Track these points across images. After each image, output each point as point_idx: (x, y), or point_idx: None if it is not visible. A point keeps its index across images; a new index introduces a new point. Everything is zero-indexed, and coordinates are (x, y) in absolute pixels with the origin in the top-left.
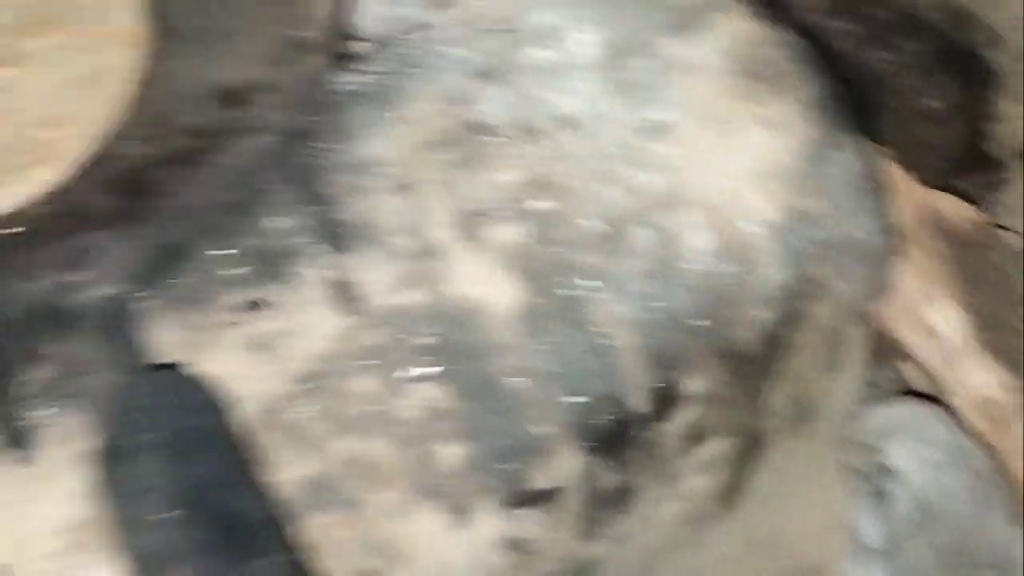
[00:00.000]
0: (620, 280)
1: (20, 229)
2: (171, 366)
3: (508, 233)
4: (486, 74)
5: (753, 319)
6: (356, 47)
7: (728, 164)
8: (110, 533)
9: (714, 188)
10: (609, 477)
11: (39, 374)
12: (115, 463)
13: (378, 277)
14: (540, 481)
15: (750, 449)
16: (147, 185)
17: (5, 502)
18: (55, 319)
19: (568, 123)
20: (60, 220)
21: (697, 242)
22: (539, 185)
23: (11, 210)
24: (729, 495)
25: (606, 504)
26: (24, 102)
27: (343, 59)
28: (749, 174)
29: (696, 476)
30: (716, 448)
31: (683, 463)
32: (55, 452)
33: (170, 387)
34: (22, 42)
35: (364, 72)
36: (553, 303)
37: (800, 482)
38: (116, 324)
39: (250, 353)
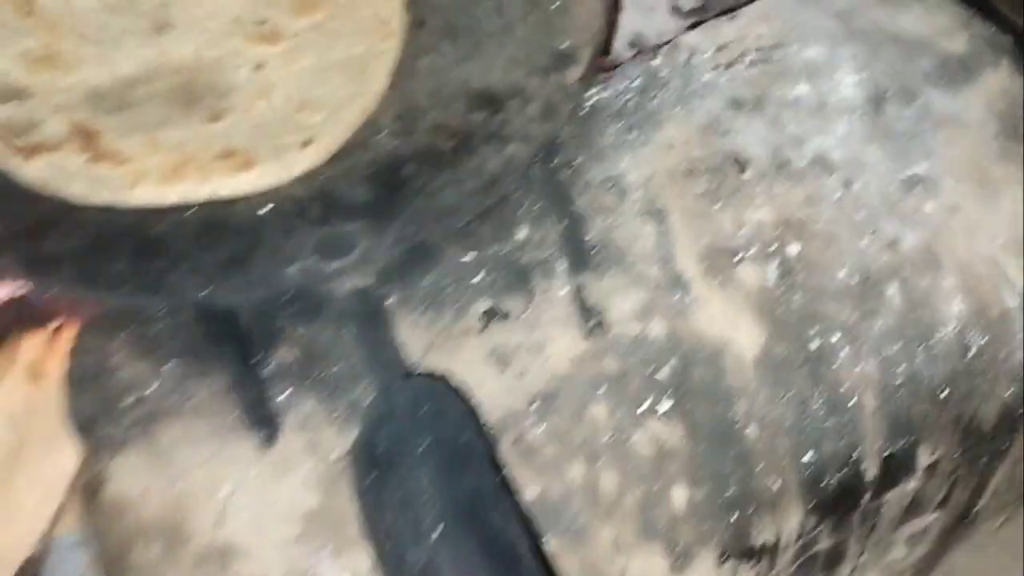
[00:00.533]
0: (867, 337)
1: (271, 206)
2: (429, 374)
3: (755, 274)
4: (742, 104)
5: (996, 395)
6: (612, 64)
7: (989, 228)
8: (348, 526)
9: (972, 252)
10: (826, 539)
11: (284, 357)
12: (381, 470)
13: (620, 302)
14: (761, 536)
15: (958, 525)
16: (397, 180)
17: (245, 482)
18: (303, 304)
19: (826, 166)
20: (313, 205)
21: (950, 307)
22: (792, 227)
23: (266, 188)
24: (925, 568)
25: (815, 566)
26: (286, 81)
27: (598, 74)
28: (1010, 241)
29: (902, 547)
30: (929, 521)
31: (895, 533)
32: (295, 438)
33: (430, 395)
34: (288, 21)
35: (618, 90)
36: (796, 353)
37: (996, 564)
38: (365, 317)
39: (489, 364)
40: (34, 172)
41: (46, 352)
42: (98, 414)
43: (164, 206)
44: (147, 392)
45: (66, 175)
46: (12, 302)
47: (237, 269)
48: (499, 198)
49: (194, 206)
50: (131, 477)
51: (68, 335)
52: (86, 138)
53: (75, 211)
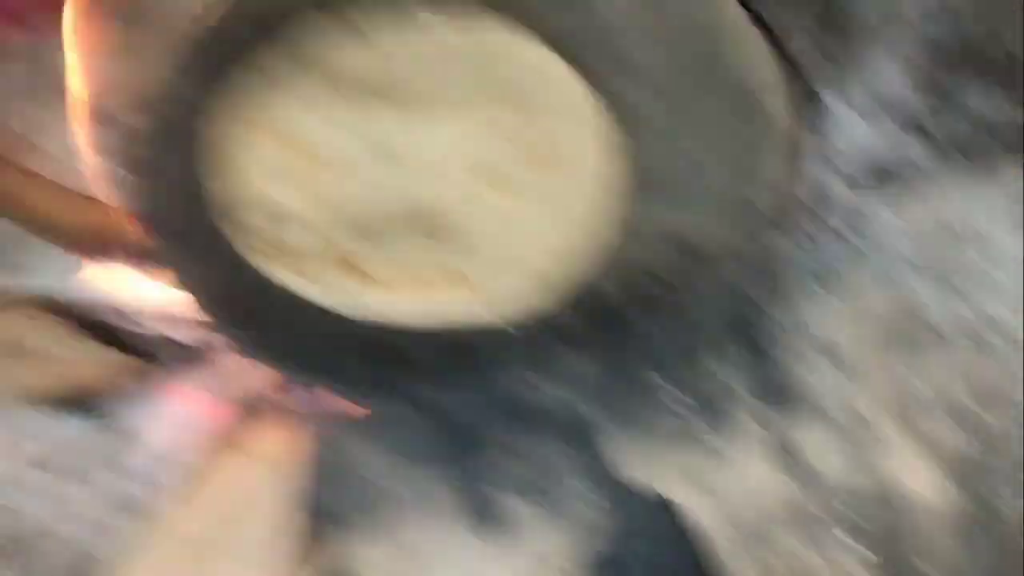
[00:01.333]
0: None
1: (495, 328)
2: (650, 492)
3: (948, 434)
4: (925, 269)
5: None
6: (801, 218)
7: None
8: None
9: None
10: None
11: (503, 464)
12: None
13: (815, 446)
14: None
15: None
16: (609, 317)
17: (468, 568)
18: (524, 416)
19: (1011, 336)
20: (532, 331)
21: None
22: (981, 394)
23: (491, 314)
24: None
25: None
26: (517, 225)
27: (789, 227)
28: None
29: None
30: None
31: None
32: (520, 540)
33: (651, 513)
34: (519, 172)
35: (807, 248)
36: (987, 516)
37: None
38: (577, 433)
39: (690, 489)
40: (292, 278)
41: (280, 442)
42: (336, 505)
43: (410, 324)
44: (386, 486)
45: (319, 284)
46: (257, 392)
47: (472, 382)
48: (700, 337)
49: (428, 321)
50: (375, 568)
51: (302, 429)
52: (340, 256)
53: (325, 315)
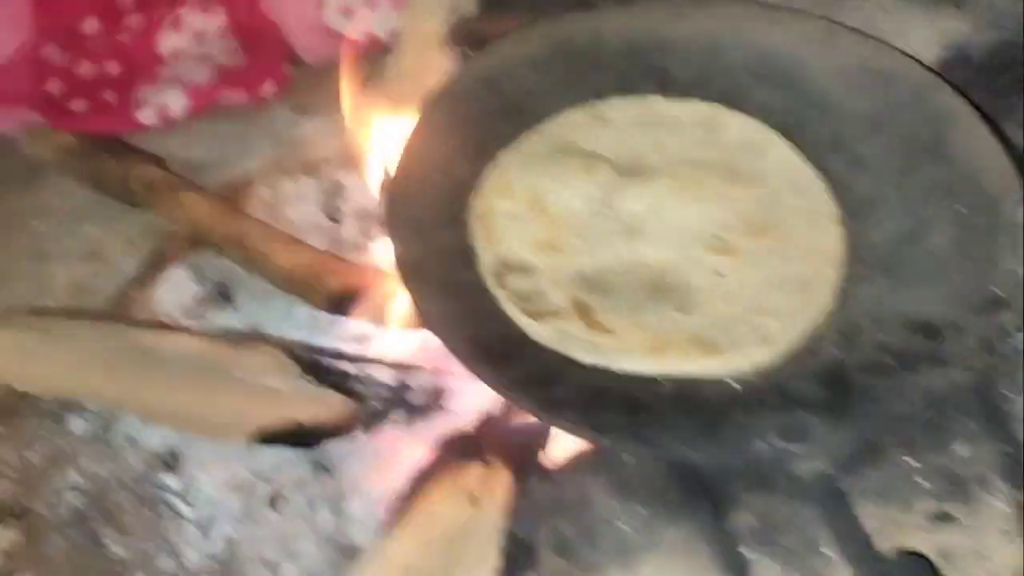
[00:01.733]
0: None
1: (735, 389)
2: (913, 553)
3: None
4: None
5: None
6: None
7: None
8: None
9: None
10: None
11: (744, 520)
12: None
13: None
14: None
15: None
16: (847, 385)
17: None
18: (765, 477)
19: None
20: (772, 394)
21: None
22: None
23: (728, 374)
24: None
25: None
26: (741, 288)
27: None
28: None
29: None
30: None
31: None
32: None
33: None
34: (742, 240)
35: None
36: None
37: None
38: (824, 497)
39: (939, 561)
40: (541, 331)
41: (486, 482)
42: (576, 539)
43: (645, 375)
44: (621, 526)
45: (566, 337)
46: (462, 437)
47: (707, 436)
48: (942, 414)
49: (670, 378)
50: None
51: (506, 471)
52: (581, 310)
53: (574, 366)
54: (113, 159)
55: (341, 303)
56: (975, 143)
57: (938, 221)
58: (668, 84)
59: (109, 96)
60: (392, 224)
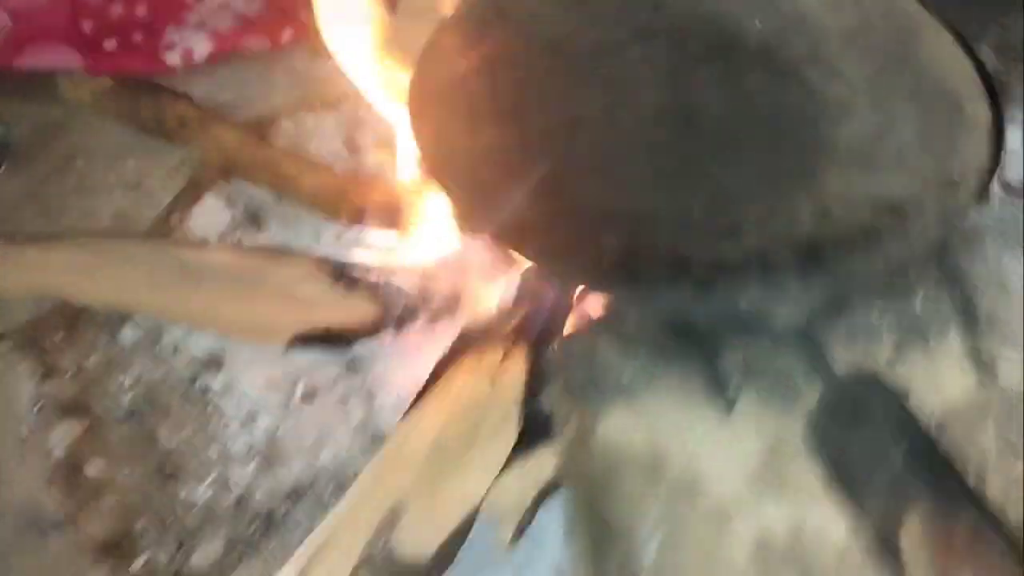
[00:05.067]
0: None
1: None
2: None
3: None
4: None
5: None
6: (994, 191)
7: None
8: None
9: None
10: None
11: (732, 360)
12: (844, 434)
13: (1005, 364)
14: None
15: None
16: (820, 256)
17: (710, 437)
18: (747, 325)
19: None
20: (753, 262)
21: None
22: None
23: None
24: None
25: None
26: None
27: (982, 198)
28: None
29: None
30: None
31: None
32: (746, 416)
33: (873, 388)
34: None
35: (997, 216)
36: None
37: None
38: (800, 340)
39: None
40: None
41: (506, 360)
42: (586, 384)
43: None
44: (623, 372)
45: None
46: (482, 324)
47: (698, 294)
48: (904, 278)
49: None
50: (616, 428)
51: (523, 353)
52: None
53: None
54: (149, 99)
55: (366, 215)
56: (941, 51)
57: (905, 119)
58: (659, 9)
59: (138, 37)
60: (418, 129)
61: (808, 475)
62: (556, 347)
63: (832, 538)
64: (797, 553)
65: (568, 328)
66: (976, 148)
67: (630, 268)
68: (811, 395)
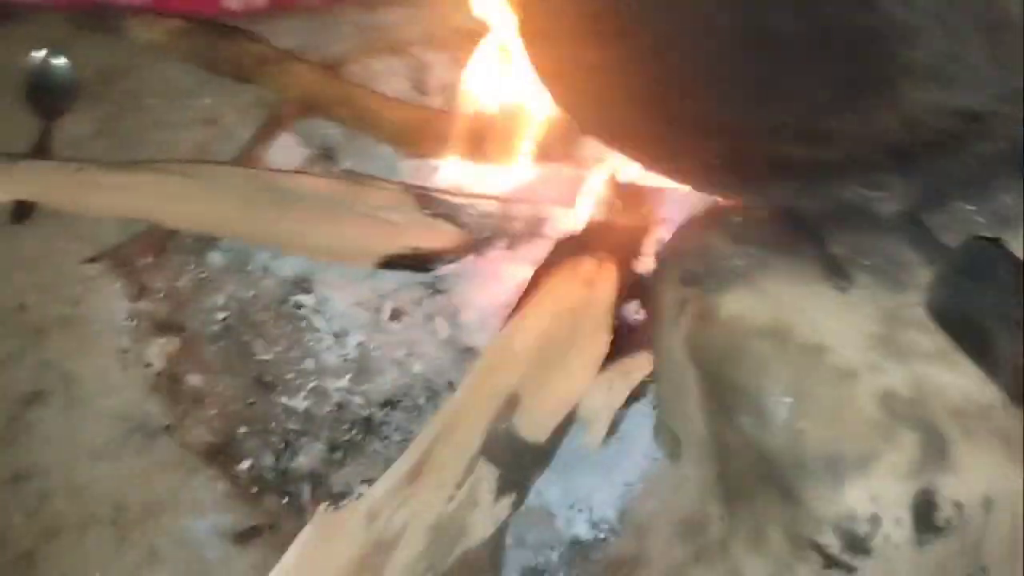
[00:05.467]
0: None
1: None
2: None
3: None
4: None
5: None
6: None
7: None
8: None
9: None
10: None
11: (838, 250)
12: (965, 298)
13: None
14: None
15: None
16: (912, 155)
17: (829, 308)
18: (855, 217)
19: None
20: (853, 163)
21: None
22: None
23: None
24: None
25: None
26: None
27: None
28: None
29: None
30: None
31: None
32: (860, 292)
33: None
34: None
35: None
36: None
37: None
38: (906, 227)
39: None
40: None
41: (597, 270)
42: (702, 273)
43: None
44: (738, 261)
45: None
46: (575, 236)
47: (806, 191)
48: (991, 174)
49: None
50: (740, 304)
51: (613, 263)
52: None
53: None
54: (225, 39)
55: (449, 147)
56: None
57: (974, 42)
58: None
59: None
60: (538, 53)
61: (927, 339)
62: (668, 243)
63: (952, 392)
64: (920, 405)
65: (681, 225)
66: None
67: (735, 170)
68: (924, 270)
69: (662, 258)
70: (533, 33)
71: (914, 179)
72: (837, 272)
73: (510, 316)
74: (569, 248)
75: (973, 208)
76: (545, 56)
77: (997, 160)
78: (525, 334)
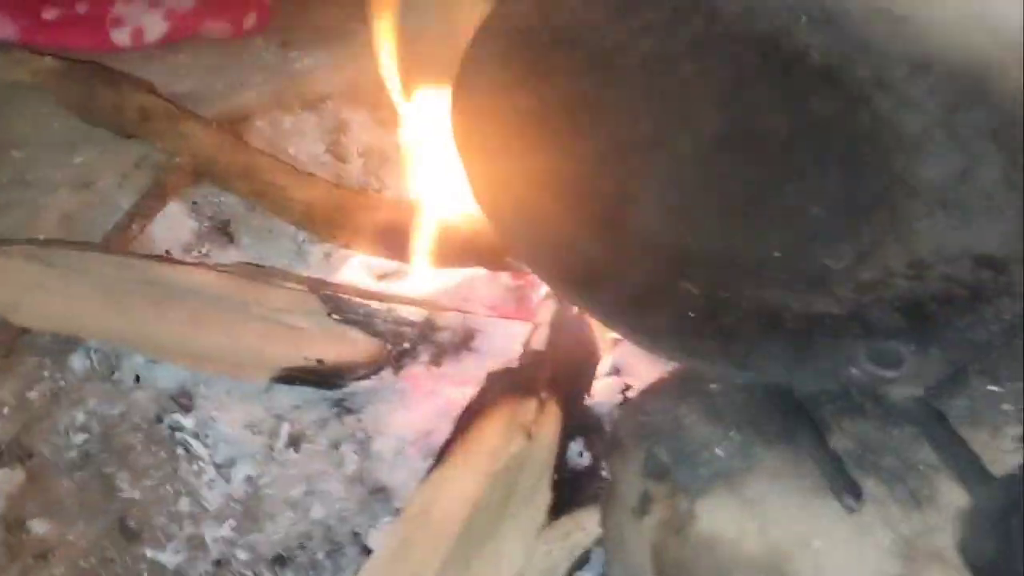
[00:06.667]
0: None
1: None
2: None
3: None
4: None
5: None
6: None
7: None
8: None
9: None
10: None
11: (839, 442)
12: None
13: None
14: None
15: None
16: (926, 315)
17: (834, 540)
18: (858, 400)
19: None
20: (854, 323)
21: None
22: None
23: None
24: None
25: None
26: None
27: None
28: None
29: None
30: None
31: None
32: (869, 510)
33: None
34: None
35: None
36: None
37: None
38: (925, 420)
39: None
40: None
41: (538, 413)
42: (673, 464)
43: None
44: (717, 451)
45: None
46: (512, 372)
47: (798, 361)
48: (1013, 343)
49: None
50: (723, 517)
51: (556, 405)
52: None
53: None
54: (105, 85)
55: (367, 238)
56: (1017, 87)
57: (988, 158)
58: (714, 20)
59: (82, 8)
60: (467, 152)
61: None
62: (630, 411)
63: None
64: None
65: (646, 389)
66: None
67: (715, 324)
68: (944, 480)
69: (620, 427)
70: (460, 119)
71: (931, 350)
72: (843, 483)
73: (432, 467)
74: (503, 384)
75: (1000, 390)
76: (471, 150)
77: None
78: (449, 501)
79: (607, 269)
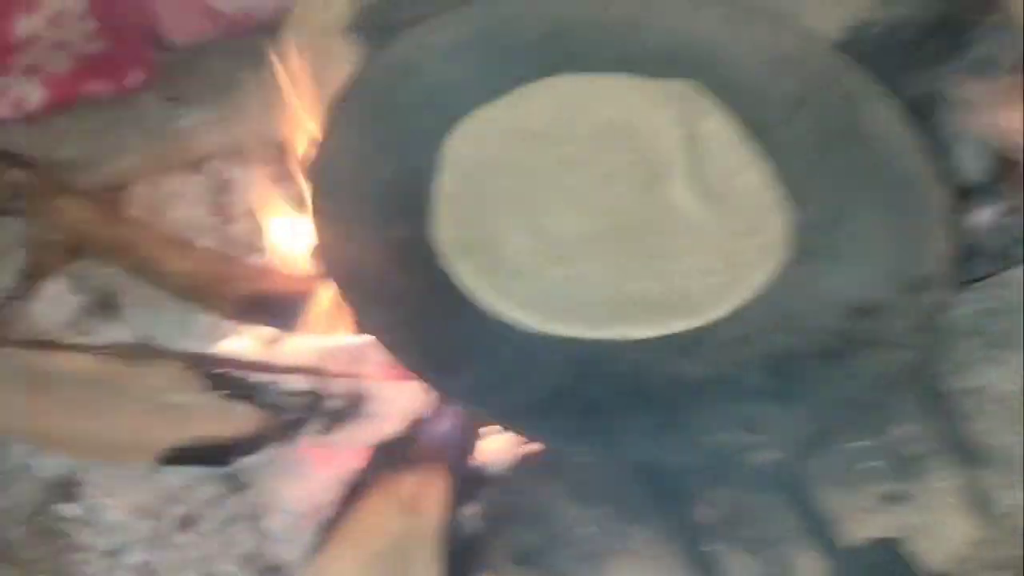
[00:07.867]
0: None
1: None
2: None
3: None
4: None
5: None
6: (964, 286)
7: None
8: None
9: None
10: None
11: (707, 515)
12: None
13: (1006, 497)
14: None
15: None
16: (795, 371)
17: None
18: (724, 469)
19: None
20: (720, 387)
21: None
22: None
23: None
24: None
25: None
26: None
27: (952, 296)
28: None
29: None
30: None
31: None
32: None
33: (887, 558)
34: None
35: (973, 310)
36: None
37: None
38: (785, 486)
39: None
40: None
41: (422, 489)
42: (540, 547)
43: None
44: (585, 532)
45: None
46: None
47: (662, 434)
48: (882, 396)
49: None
50: None
51: (440, 476)
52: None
53: (525, 368)
54: None
55: (251, 309)
56: (886, 125)
57: (862, 202)
58: (588, 68)
59: None
60: (321, 226)
61: None
62: (495, 498)
63: None
64: None
65: (509, 473)
66: (937, 236)
67: (575, 398)
68: (808, 557)
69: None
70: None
71: (796, 411)
72: (699, 555)
73: (313, 557)
74: (386, 460)
75: (865, 446)
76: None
77: (893, 379)
78: None
79: (463, 350)
